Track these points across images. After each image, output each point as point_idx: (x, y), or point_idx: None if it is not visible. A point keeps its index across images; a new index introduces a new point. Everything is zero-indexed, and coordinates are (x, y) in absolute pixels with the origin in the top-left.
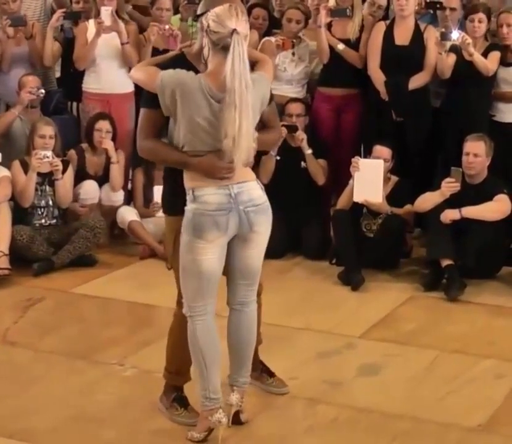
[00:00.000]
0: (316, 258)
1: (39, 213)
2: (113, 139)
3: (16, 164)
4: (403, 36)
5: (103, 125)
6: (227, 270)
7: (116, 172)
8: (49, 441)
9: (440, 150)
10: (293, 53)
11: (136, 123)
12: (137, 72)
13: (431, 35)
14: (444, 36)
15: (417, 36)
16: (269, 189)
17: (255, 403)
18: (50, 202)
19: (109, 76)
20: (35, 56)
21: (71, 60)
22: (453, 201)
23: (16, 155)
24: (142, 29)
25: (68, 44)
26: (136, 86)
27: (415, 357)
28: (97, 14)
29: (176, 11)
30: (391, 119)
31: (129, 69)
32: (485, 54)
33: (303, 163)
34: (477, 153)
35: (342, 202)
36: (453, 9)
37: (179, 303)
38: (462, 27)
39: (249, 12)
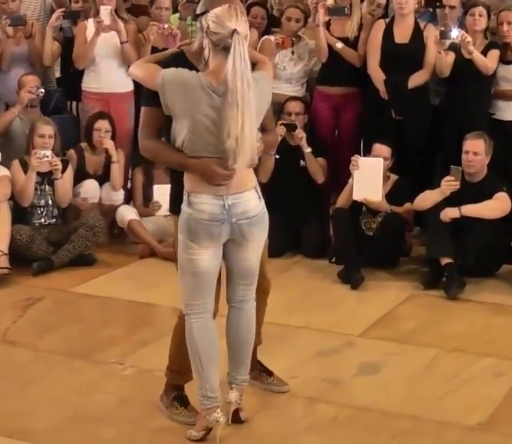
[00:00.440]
0: (316, 257)
1: (39, 212)
2: (112, 138)
3: (16, 163)
4: (402, 35)
5: (103, 124)
6: (226, 270)
7: (117, 171)
8: (49, 441)
9: (439, 148)
10: (292, 52)
11: (135, 122)
12: (137, 69)
13: (431, 33)
14: (443, 35)
15: (417, 34)
16: (269, 188)
17: (254, 402)
18: (50, 201)
19: (108, 76)
20: (34, 55)
21: (71, 59)
22: (453, 200)
23: (16, 154)
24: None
25: (67, 44)
26: (136, 85)
27: (415, 356)
28: (97, 13)
29: (175, 10)
30: (390, 118)
31: (129, 68)
32: (484, 52)
33: (302, 162)
34: (476, 151)
35: (341, 201)
36: (452, 7)
37: None
38: (461, 25)
39: (248, 11)
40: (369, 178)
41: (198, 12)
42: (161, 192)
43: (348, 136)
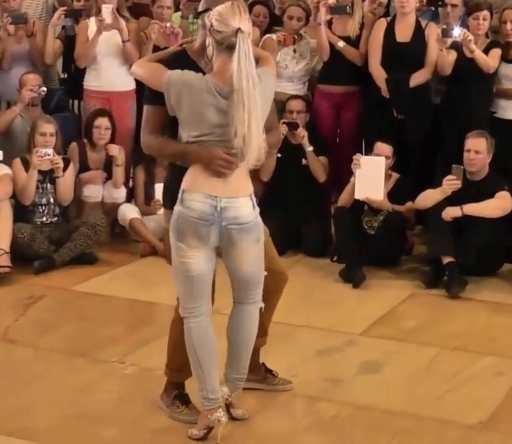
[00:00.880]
0: (317, 256)
1: (40, 210)
2: (112, 135)
3: (17, 162)
4: (404, 33)
5: (102, 122)
6: (227, 271)
7: (119, 172)
8: (49, 439)
9: (440, 147)
10: (294, 51)
11: (136, 120)
12: (139, 68)
13: (432, 32)
14: (445, 33)
15: (418, 33)
16: (270, 187)
17: (255, 401)
18: (51, 200)
19: (110, 74)
20: (36, 54)
21: (72, 58)
22: (454, 199)
23: (17, 152)
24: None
25: (69, 42)
26: (137, 84)
27: (416, 355)
28: (98, 12)
29: (177, 9)
30: (392, 117)
31: (130, 67)
32: (486, 51)
33: (304, 161)
34: (478, 150)
35: (343, 199)
36: (454, 6)
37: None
38: (463, 24)
39: (250, 10)
40: (371, 177)
41: (200, 9)
42: None
43: (349, 135)
